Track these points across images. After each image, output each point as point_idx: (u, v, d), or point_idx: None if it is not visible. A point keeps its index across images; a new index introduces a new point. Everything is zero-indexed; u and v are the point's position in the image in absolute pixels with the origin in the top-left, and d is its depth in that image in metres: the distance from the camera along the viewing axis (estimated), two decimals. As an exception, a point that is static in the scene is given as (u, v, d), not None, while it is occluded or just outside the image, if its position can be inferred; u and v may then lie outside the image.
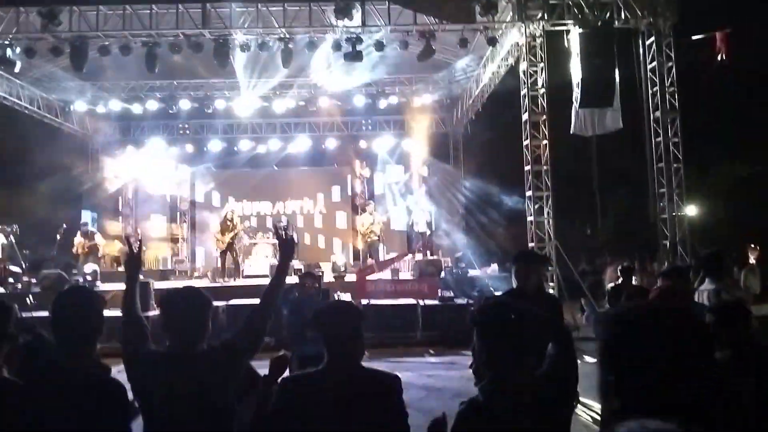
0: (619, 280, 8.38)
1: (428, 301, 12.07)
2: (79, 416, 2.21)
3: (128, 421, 2.40)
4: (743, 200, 20.49)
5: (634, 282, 8.59)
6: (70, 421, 2.20)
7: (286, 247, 2.95)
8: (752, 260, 10.49)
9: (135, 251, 2.87)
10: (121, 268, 15.33)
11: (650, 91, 12.88)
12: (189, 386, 2.39)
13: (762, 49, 16.42)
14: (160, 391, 2.41)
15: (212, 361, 2.47)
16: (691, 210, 13.27)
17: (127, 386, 2.47)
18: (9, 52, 12.22)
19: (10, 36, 12.13)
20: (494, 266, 14.52)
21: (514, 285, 4.14)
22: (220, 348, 2.53)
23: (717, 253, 4.32)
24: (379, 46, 12.74)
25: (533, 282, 4.06)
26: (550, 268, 11.62)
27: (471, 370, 2.97)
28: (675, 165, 12.64)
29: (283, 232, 2.92)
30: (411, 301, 12.08)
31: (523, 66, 12.71)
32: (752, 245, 10.81)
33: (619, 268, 8.32)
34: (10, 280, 13.00)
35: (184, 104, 17.05)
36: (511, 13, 12.46)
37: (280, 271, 2.86)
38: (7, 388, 2.32)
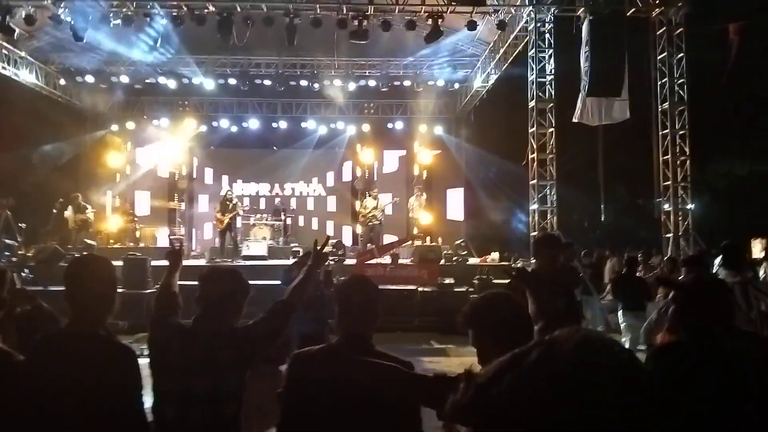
0: (624, 271, 8.29)
1: (428, 288, 11.96)
2: (90, 382, 2.14)
3: (140, 385, 2.31)
4: (745, 196, 20.40)
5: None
6: (81, 387, 2.12)
7: (318, 257, 3.08)
8: (760, 253, 10.38)
9: (177, 248, 3.05)
10: (117, 245, 15.22)
11: (659, 82, 12.71)
12: (203, 361, 2.40)
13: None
14: (174, 362, 2.42)
15: (230, 342, 2.49)
16: (693, 205, 13.15)
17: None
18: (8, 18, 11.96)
19: (11, 2, 11.86)
20: (494, 254, 14.40)
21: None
22: (240, 332, 2.55)
23: (736, 245, 4.19)
24: (386, 26, 12.52)
25: (547, 266, 3.95)
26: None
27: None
28: (681, 158, 12.50)
29: (322, 246, 3.06)
30: (410, 287, 11.97)
31: (531, 52, 12.51)
32: (759, 238, 10.71)
33: (625, 258, 8.21)
34: (6, 253, 12.82)
35: (185, 80, 16.82)
36: (521, -3, 12.25)
37: (308, 276, 2.94)
38: (3, 358, 2.24)
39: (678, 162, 12.48)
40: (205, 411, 2.38)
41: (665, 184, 12.61)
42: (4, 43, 14.40)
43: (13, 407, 2.11)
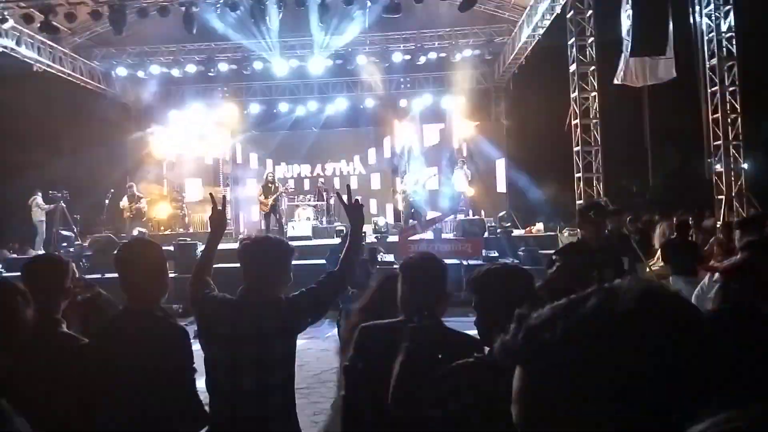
0: (674, 235, 8.07)
1: (472, 261, 11.92)
2: (147, 359, 2.24)
3: (191, 364, 2.40)
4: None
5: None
6: (138, 365, 2.23)
7: (355, 212, 2.78)
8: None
9: (220, 208, 2.84)
10: (168, 231, 15.67)
11: (706, 37, 12.17)
12: (250, 329, 2.43)
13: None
14: (222, 332, 2.47)
15: (276, 310, 2.49)
16: (746, 165, 12.64)
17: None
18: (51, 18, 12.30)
19: (52, 1, 12.18)
20: (539, 225, 14.21)
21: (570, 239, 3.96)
22: (285, 301, 2.53)
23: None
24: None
25: (594, 235, 3.87)
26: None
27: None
28: (732, 116, 12.00)
29: (348, 197, 2.79)
30: (454, 261, 11.95)
31: (570, 14, 12.13)
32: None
33: (675, 222, 7.97)
34: (63, 244, 13.39)
35: (223, 67, 17.07)
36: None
37: (355, 238, 2.81)
38: (68, 343, 2.36)
39: (729, 120, 11.98)
40: (254, 379, 2.42)
41: (716, 143, 12.14)
42: (48, 41, 14.85)
43: (80, 388, 2.23)
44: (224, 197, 3.13)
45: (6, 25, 12.95)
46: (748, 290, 2.16)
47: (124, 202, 14.93)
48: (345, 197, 2.79)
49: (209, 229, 2.86)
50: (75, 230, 14.01)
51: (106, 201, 15.21)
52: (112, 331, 2.41)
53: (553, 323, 0.76)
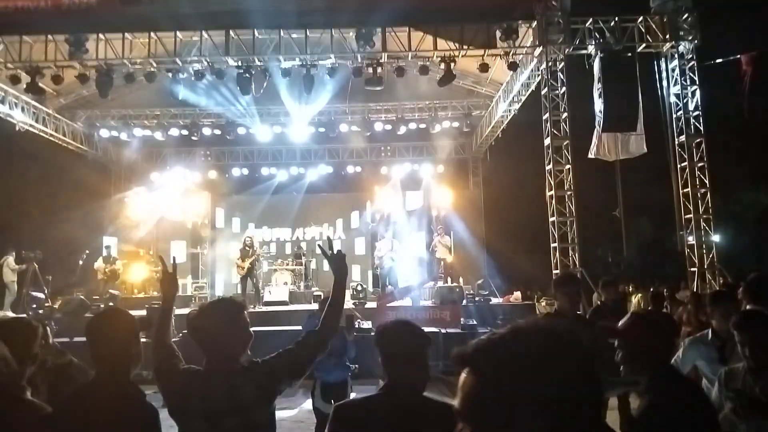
0: (650, 307, 8.16)
1: (450, 330, 11.83)
2: None
3: None
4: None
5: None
6: None
7: (338, 262, 2.69)
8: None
9: (171, 270, 2.75)
10: (141, 294, 15.38)
11: (674, 115, 12.72)
12: (226, 401, 2.31)
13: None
14: (197, 407, 2.33)
15: (249, 378, 2.37)
16: (716, 237, 12.95)
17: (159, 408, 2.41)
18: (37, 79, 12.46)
19: (40, 63, 12.37)
20: (517, 294, 14.26)
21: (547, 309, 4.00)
22: (260, 366, 2.43)
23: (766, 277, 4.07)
24: (400, 71, 12.80)
25: (570, 306, 3.92)
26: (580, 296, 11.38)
27: None
28: (702, 190, 12.40)
29: (329, 250, 2.72)
30: (432, 329, 11.85)
31: (544, 91, 12.65)
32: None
33: (650, 294, 8.08)
34: (33, 305, 13.04)
35: (206, 131, 17.30)
36: (531, 38, 12.45)
37: (338, 291, 2.69)
38: (31, 412, 2.26)
39: (699, 194, 12.37)
40: None
41: (687, 216, 12.48)
42: (33, 101, 14.98)
43: None
44: (174, 259, 3.01)
45: (-9, 86, 13.11)
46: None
47: (99, 263, 14.69)
48: (327, 249, 2.71)
49: (161, 293, 2.76)
50: (46, 291, 13.69)
51: (80, 262, 14.96)
52: (79, 402, 2.29)
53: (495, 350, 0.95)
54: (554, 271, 12.30)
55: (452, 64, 12.57)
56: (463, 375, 0.97)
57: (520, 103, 15.05)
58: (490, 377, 0.92)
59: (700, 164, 12.43)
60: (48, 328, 2.65)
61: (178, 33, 12.31)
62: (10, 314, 11.84)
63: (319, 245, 2.80)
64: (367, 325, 11.85)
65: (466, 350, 0.97)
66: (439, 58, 12.65)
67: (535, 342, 0.94)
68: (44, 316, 12.07)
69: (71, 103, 16.54)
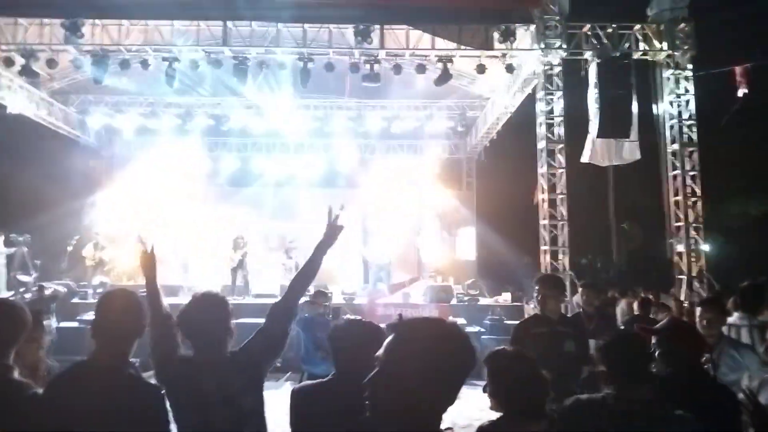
0: (636, 313, 8.20)
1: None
2: (118, 418, 2.14)
3: (167, 424, 2.32)
4: (760, 237, 20.20)
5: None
6: (108, 423, 2.12)
7: (332, 230, 2.81)
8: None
9: (149, 250, 2.80)
10: (131, 282, 15.31)
11: (668, 124, 12.79)
12: (219, 391, 2.37)
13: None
14: (191, 397, 2.38)
15: (236, 367, 2.44)
16: (706, 246, 13.03)
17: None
18: (32, 62, 12.35)
19: (34, 46, 12.27)
20: (506, 295, 14.31)
21: (535, 311, 4.02)
22: (240, 353, 2.49)
23: (760, 285, 4.13)
24: (397, 69, 12.79)
25: (556, 307, 3.94)
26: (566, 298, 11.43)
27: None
28: (693, 199, 12.47)
29: (335, 216, 2.83)
30: (420, 326, 11.88)
31: (540, 94, 12.68)
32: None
33: (638, 300, 8.14)
34: (21, 289, 12.96)
35: (200, 121, 17.21)
36: (529, 41, 12.47)
37: (317, 254, 2.74)
38: (19, 391, 2.26)
39: (689, 203, 12.44)
40: None
41: (677, 224, 12.54)
42: (26, 85, 14.86)
43: None
44: (152, 245, 2.93)
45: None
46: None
47: (88, 250, 14.60)
48: (334, 215, 2.83)
49: (142, 273, 2.78)
50: (34, 276, 13.60)
51: (69, 248, 14.86)
52: (73, 381, 2.28)
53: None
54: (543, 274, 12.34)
55: (449, 64, 12.58)
56: (390, 338, 1.47)
57: (515, 107, 15.07)
58: (404, 338, 1.44)
59: (692, 173, 12.49)
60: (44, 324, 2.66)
61: (174, 21, 12.24)
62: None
63: (329, 206, 2.88)
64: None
65: (396, 322, 1.50)
66: (437, 58, 12.66)
67: (435, 323, 1.49)
68: (30, 300, 12.00)
69: (65, 88, 16.41)
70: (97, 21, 12.16)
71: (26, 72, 12.56)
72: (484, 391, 2.49)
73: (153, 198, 18.64)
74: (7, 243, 13.72)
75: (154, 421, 2.25)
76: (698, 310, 3.98)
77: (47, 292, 11.01)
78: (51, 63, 12.55)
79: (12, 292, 12.99)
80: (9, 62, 12.63)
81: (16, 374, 2.32)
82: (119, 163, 19.43)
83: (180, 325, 2.52)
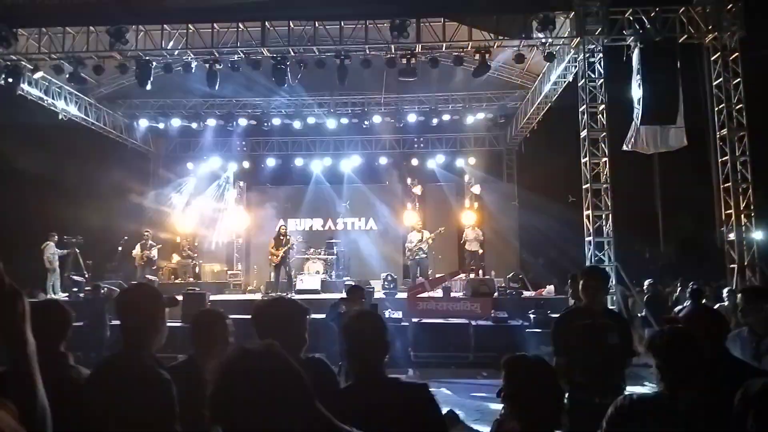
0: (687, 303, 7.99)
1: (481, 322, 11.81)
2: (128, 408, 2.21)
3: (173, 416, 2.35)
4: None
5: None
6: (123, 411, 2.20)
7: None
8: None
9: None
10: (178, 280, 15.73)
11: (716, 108, 12.36)
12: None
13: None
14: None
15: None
16: (758, 234, 12.55)
17: None
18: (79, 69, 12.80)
19: (81, 53, 12.70)
20: (550, 287, 14.10)
21: (571, 302, 3.97)
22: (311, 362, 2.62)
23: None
24: (434, 62, 12.73)
25: (600, 299, 3.87)
26: (611, 289, 11.20)
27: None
28: (743, 185, 12.03)
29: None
30: (463, 320, 11.84)
31: (581, 82, 12.41)
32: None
33: (689, 290, 7.92)
34: (74, 289, 13.48)
35: (242, 122, 17.54)
36: (569, 29, 12.23)
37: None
38: (77, 377, 2.43)
39: (740, 189, 12.01)
40: None
41: (727, 212, 12.13)
42: (75, 91, 15.39)
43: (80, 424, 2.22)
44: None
45: (36, 75, 13.50)
46: None
47: (137, 250, 15.09)
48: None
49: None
50: (86, 275, 14.12)
51: (119, 248, 15.40)
52: (107, 371, 2.40)
53: None
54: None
55: (487, 55, 12.45)
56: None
57: (556, 95, 14.82)
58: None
59: (742, 158, 12.05)
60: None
61: (214, 24, 12.47)
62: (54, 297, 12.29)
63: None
64: (397, 315, 11.92)
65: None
66: (474, 49, 12.54)
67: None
68: (84, 299, 12.44)
69: (111, 93, 16.94)
70: (140, 27, 12.51)
71: (75, 78, 13.02)
72: (498, 395, 2.46)
73: (198, 198, 19.09)
74: (61, 245, 14.27)
75: (156, 409, 2.28)
76: (738, 297, 3.90)
77: (102, 291, 11.46)
78: (98, 69, 12.96)
79: (66, 294, 13.54)
80: (59, 70, 13.12)
81: (71, 360, 2.51)
82: (165, 164, 20.00)
83: (255, 320, 2.56)
